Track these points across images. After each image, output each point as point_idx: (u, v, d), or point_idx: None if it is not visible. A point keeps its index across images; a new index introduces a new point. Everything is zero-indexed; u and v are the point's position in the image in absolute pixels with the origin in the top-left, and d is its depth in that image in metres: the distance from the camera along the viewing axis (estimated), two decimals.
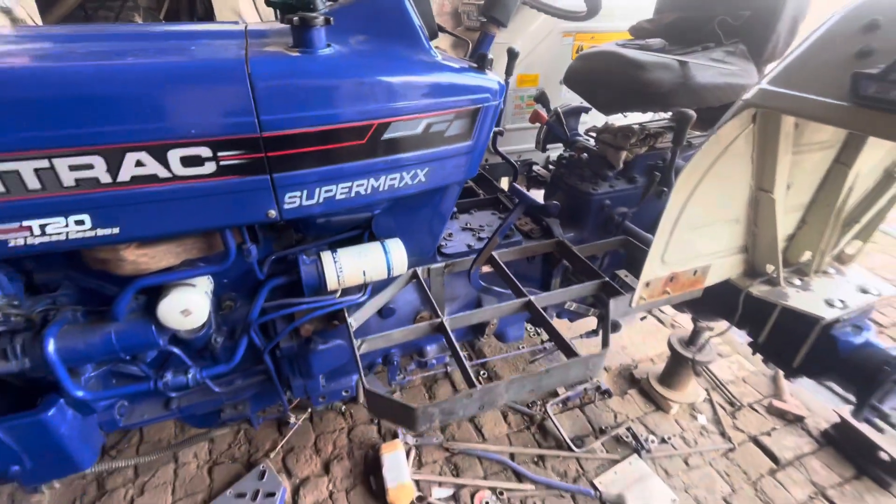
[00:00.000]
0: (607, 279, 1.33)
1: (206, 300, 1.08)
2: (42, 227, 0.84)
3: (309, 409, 2.06)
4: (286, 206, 0.99)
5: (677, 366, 2.11)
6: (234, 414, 1.37)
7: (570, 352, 1.09)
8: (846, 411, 2.01)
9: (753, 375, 2.38)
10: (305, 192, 0.99)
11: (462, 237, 1.58)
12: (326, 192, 1.01)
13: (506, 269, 1.37)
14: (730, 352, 2.52)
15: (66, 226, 0.85)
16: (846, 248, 1.51)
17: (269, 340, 1.27)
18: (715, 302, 1.48)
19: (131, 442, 1.97)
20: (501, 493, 1.79)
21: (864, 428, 1.91)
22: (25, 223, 0.82)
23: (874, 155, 1.30)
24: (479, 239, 1.57)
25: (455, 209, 1.73)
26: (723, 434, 2.05)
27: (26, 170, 0.78)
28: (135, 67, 0.82)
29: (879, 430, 1.26)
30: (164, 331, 1.11)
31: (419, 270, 1.36)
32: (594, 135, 1.71)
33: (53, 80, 0.78)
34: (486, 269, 1.57)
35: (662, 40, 1.56)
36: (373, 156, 1.01)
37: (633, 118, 1.81)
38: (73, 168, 0.81)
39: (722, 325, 1.80)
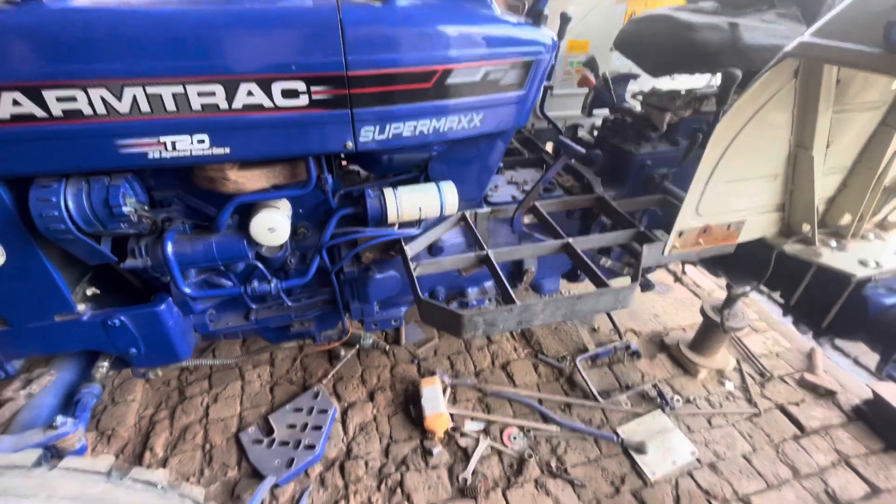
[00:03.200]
0: (643, 229, 1.43)
1: (287, 221, 1.27)
2: (173, 143, 1.04)
3: (356, 346, 2.28)
4: (361, 139, 1.15)
5: (708, 332, 2.17)
6: (301, 329, 1.59)
7: (602, 284, 1.21)
8: (881, 387, 2.02)
9: (788, 352, 2.39)
10: (378, 127, 1.14)
11: (507, 189, 1.71)
12: (395, 128, 1.16)
13: (547, 216, 1.49)
14: (766, 328, 2.54)
15: (191, 143, 1.04)
16: (889, 216, 1.52)
17: (336, 264, 1.46)
18: (748, 260, 1.54)
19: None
20: (528, 431, 1.94)
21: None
22: (162, 139, 1.03)
23: None
24: (523, 192, 1.69)
25: (501, 165, 1.85)
26: (749, 400, 2.11)
27: (166, 94, 0.98)
28: (249, 13, 0.99)
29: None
30: (253, 245, 1.31)
31: (467, 214, 1.51)
32: (640, 98, 1.77)
33: (189, 22, 0.96)
34: (527, 220, 1.69)
35: (715, 3, 1.59)
36: (437, 98, 1.15)
37: (682, 83, 1.85)
38: (200, 94, 0.99)
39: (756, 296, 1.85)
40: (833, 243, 1.44)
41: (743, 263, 1.60)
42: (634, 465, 1.83)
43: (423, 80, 1.12)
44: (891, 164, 1.35)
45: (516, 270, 1.78)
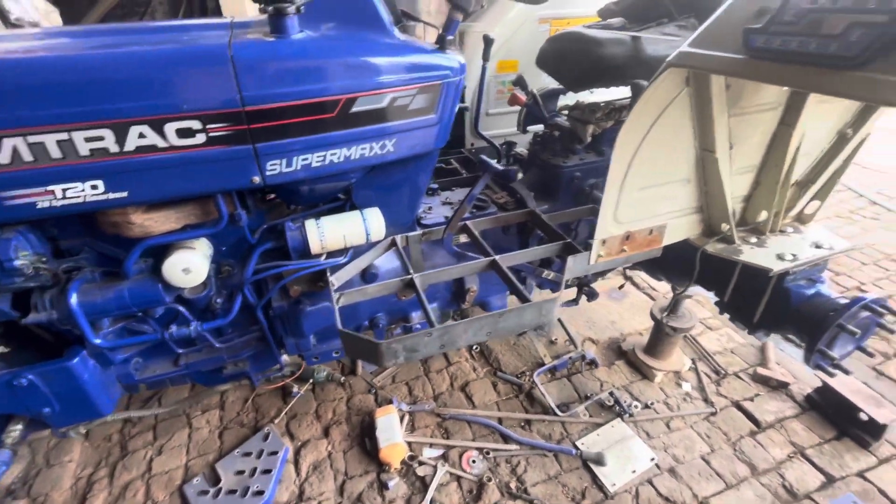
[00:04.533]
0: (569, 240, 1.44)
1: (204, 261, 1.24)
2: (63, 190, 1.00)
3: (311, 381, 2.21)
4: (268, 173, 1.13)
5: (660, 335, 2.19)
6: (235, 371, 1.53)
7: (524, 299, 1.21)
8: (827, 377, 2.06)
9: (742, 347, 2.43)
10: (285, 160, 1.13)
11: (441, 210, 1.71)
12: (303, 160, 1.15)
13: (477, 234, 1.50)
14: (719, 325, 2.58)
15: (83, 190, 1.01)
16: (806, 209, 1.58)
17: (270, 302, 1.42)
18: (678, 262, 1.57)
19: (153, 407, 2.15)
20: (488, 453, 1.90)
21: (845, 391, 1.96)
22: (49, 187, 0.99)
23: (821, 116, 1.38)
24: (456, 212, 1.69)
25: (437, 186, 1.86)
26: (706, 400, 2.13)
27: (50, 141, 0.95)
28: (135, 55, 0.98)
29: (830, 374, 1.33)
30: (170, 289, 1.26)
31: (397, 238, 1.50)
32: (566, 112, 1.82)
33: (70, 67, 0.94)
34: (464, 239, 1.69)
35: (622, 19, 1.66)
36: (343, 127, 1.15)
37: (601, 96, 1.91)
38: (87, 140, 0.97)
39: (705, 293, 1.89)
40: (753, 240, 1.48)
41: (679, 265, 1.63)
42: (595, 478, 1.81)
43: (327, 110, 1.12)
44: (796, 161, 1.41)
45: (458, 290, 1.77)
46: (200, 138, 1.04)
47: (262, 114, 1.06)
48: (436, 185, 1.84)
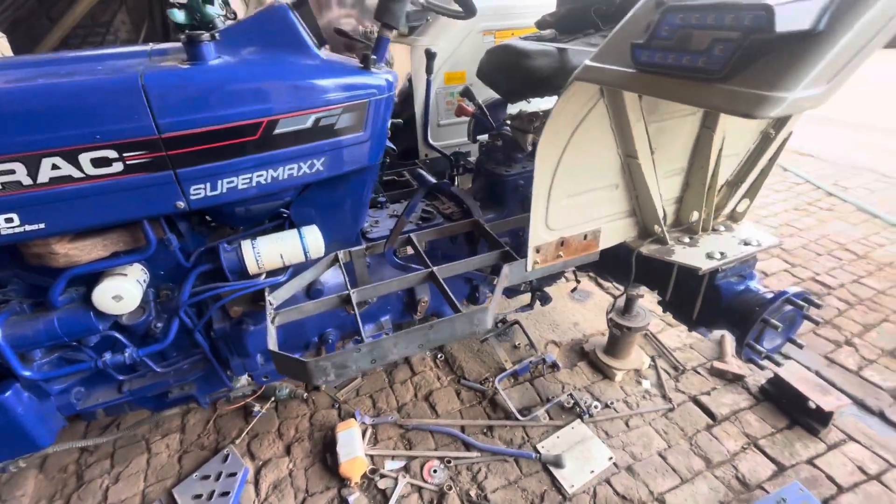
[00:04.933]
0: (507, 248, 1.47)
1: (137, 287, 1.23)
2: None
3: (273, 398, 2.20)
4: (193, 197, 1.14)
5: (618, 335, 2.23)
6: (181, 394, 1.52)
7: (456, 309, 1.23)
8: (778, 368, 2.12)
9: (700, 342, 2.48)
10: (209, 184, 1.14)
11: (388, 223, 1.73)
12: (229, 183, 1.16)
13: (418, 246, 1.52)
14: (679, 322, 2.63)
15: None
16: (738, 207, 1.63)
17: (211, 324, 1.42)
18: (620, 264, 1.61)
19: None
20: (449, 462, 1.91)
21: (794, 381, 2.01)
22: None
23: (739, 119, 1.43)
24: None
25: (385, 199, 1.88)
26: (664, 396, 2.17)
27: None
28: (43, 87, 0.98)
29: (760, 367, 1.38)
30: (104, 317, 1.26)
31: (340, 253, 1.51)
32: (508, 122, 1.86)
33: None
34: (411, 251, 1.71)
35: (553, 31, 1.71)
36: (267, 149, 1.17)
37: (542, 104, 1.95)
38: None
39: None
40: (686, 240, 1.52)
41: (621, 267, 1.67)
42: (554, 481, 1.82)
43: (249, 133, 1.13)
44: (720, 163, 1.46)
45: (410, 301, 1.78)
46: (118, 167, 1.04)
47: (180, 140, 1.07)
48: (384, 199, 1.86)
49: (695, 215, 1.53)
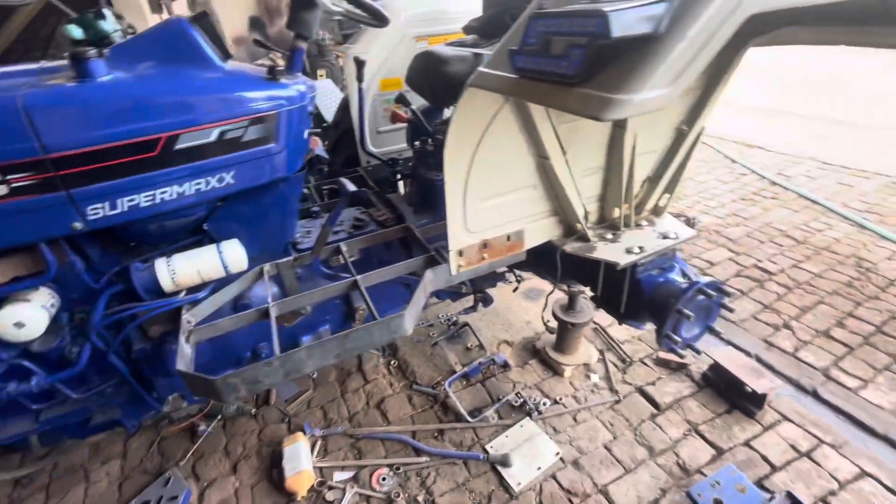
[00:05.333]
0: (432, 253, 1.48)
1: (41, 312, 1.19)
2: None
3: (220, 416, 2.16)
4: (91, 217, 1.11)
5: (564, 331, 2.26)
6: (103, 419, 1.47)
7: (372, 316, 1.23)
8: (717, 353, 2.19)
9: (648, 334, 2.54)
10: (107, 203, 1.11)
11: (318, 233, 1.72)
12: (129, 201, 1.13)
13: (345, 255, 1.51)
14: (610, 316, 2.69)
15: None
16: (660, 202, 1.68)
17: (122, 345, 1.38)
18: (547, 262, 1.64)
19: (46, 469, 2.03)
20: (398, 469, 1.90)
21: (731, 366, 2.08)
22: None
23: (654, 116, 1.48)
24: (335, 233, 1.71)
25: (319, 209, 1.87)
26: (611, 389, 2.21)
27: None
28: None
29: (680, 356, 1.42)
30: (7, 345, 1.21)
31: (266, 266, 1.49)
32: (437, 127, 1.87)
33: None
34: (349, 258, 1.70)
35: (475, 36, 1.73)
36: (169, 165, 1.15)
37: None
38: None
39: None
40: (609, 236, 1.56)
41: (544, 264, 1.69)
42: (501, 480, 1.84)
43: (147, 149, 1.11)
44: (636, 160, 1.50)
45: (349, 310, 1.77)
46: (2, 190, 1.01)
47: (70, 159, 1.04)
48: (317, 208, 1.85)
49: (616, 212, 1.57)
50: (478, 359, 2.33)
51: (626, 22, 0.67)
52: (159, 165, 1.14)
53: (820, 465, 1.80)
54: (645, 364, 2.34)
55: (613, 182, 1.53)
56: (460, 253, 1.40)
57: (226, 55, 1.29)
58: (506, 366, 2.33)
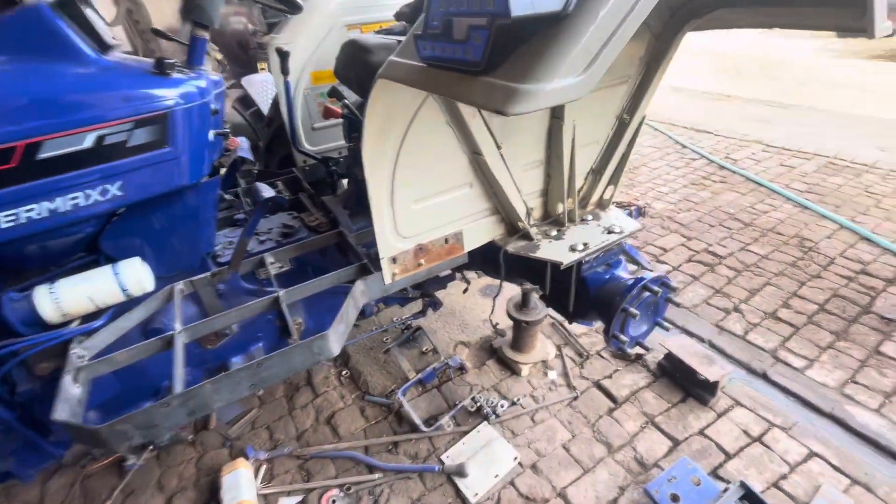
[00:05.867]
0: (364, 262, 1.36)
1: None
2: None
3: (152, 446, 1.97)
4: None
5: (520, 329, 2.20)
6: None
7: (292, 339, 1.10)
8: (671, 343, 2.19)
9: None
10: None
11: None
12: None
13: (269, 267, 1.37)
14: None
15: None
16: (605, 195, 1.62)
17: (14, 386, 1.19)
18: (493, 261, 1.55)
19: None
20: (349, 489, 1.79)
21: (683, 354, 2.07)
22: None
23: (593, 105, 1.40)
24: (261, 242, 1.56)
25: (243, 217, 1.70)
26: (569, 385, 2.17)
27: None
28: None
29: (628, 356, 1.37)
30: None
31: (179, 285, 1.33)
32: None
33: None
34: (278, 270, 1.55)
35: (404, 23, 1.61)
36: (31, 178, 0.97)
37: None
38: None
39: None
40: (553, 233, 1.49)
41: (489, 264, 1.61)
42: (458, 492, 1.76)
43: (1, 161, 0.93)
44: (575, 151, 1.42)
45: (283, 325, 1.63)
46: None
47: None
48: (242, 216, 1.69)
49: (560, 207, 1.50)
50: (432, 364, 2.24)
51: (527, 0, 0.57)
52: (20, 179, 0.96)
53: (771, 449, 1.81)
54: (602, 357, 2.31)
55: (555, 176, 1.45)
56: (394, 260, 1.29)
57: (103, 47, 1.11)
58: (462, 368, 2.25)
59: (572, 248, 1.39)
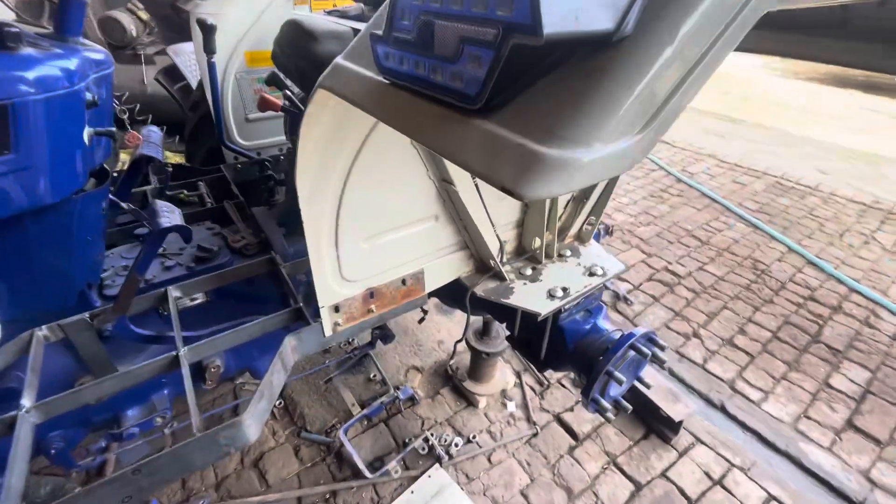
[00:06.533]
0: (299, 306, 1.08)
1: None
2: None
3: None
4: None
5: (479, 360, 2.00)
6: None
7: (199, 429, 0.82)
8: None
9: None
10: None
11: (151, 268, 1.22)
12: None
13: (172, 308, 1.06)
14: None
15: None
16: (584, 227, 1.43)
17: None
18: (457, 294, 1.32)
19: None
20: None
21: (650, 391, 1.97)
22: None
23: None
24: (167, 268, 1.23)
25: (148, 230, 1.35)
26: (528, 419, 2.01)
27: None
28: None
29: (608, 419, 1.20)
30: None
31: (40, 332, 0.99)
32: None
33: None
34: (199, 298, 1.23)
35: (361, 5, 1.32)
36: None
37: None
38: None
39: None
40: (528, 272, 1.28)
41: (456, 301, 1.38)
42: None
43: None
44: None
45: (197, 368, 1.32)
46: None
47: None
48: (145, 230, 1.34)
49: (537, 242, 1.29)
50: (380, 396, 1.99)
51: (568, 10, 0.33)
52: None
53: (733, 494, 1.74)
54: (563, 386, 2.18)
55: (534, 206, 1.24)
56: (336, 309, 1.03)
57: None
58: (413, 400, 2.02)
59: (551, 295, 1.19)
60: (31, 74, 0.78)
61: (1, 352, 0.95)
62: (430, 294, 1.25)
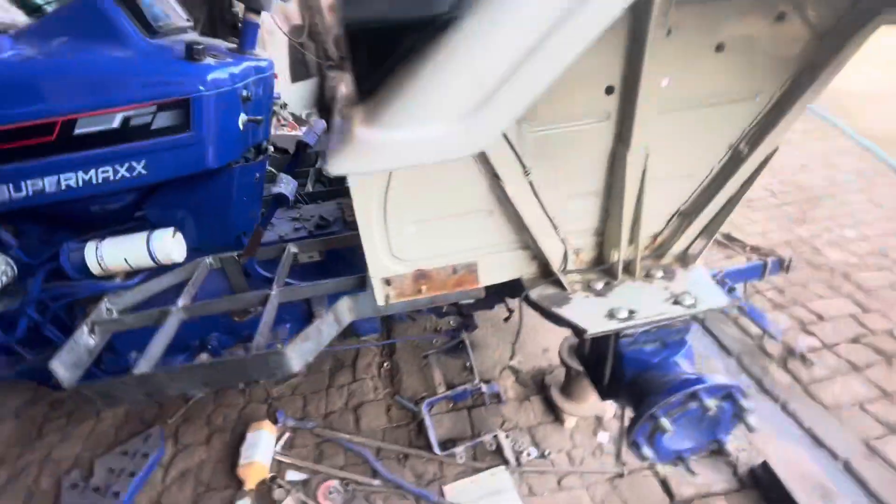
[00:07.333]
0: (365, 274, 1.24)
1: None
2: None
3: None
4: None
5: (570, 374, 1.87)
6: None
7: (257, 347, 1.06)
8: (777, 449, 1.62)
9: None
10: (10, 185, 1.09)
11: (282, 227, 1.59)
12: (33, 185, 1.10)
13: (283, 260, 1.36)
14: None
15: None
16: (692, 247, 1.21)
17: (78, 319, 1.42)
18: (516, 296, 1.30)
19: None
20: (349, 485, 1.78)
21: (786, 474, 1.53)
22: None
23: (694, 125, 1.03)
24: (296, 230, 1.57)
25: (293, 198, 1.72)
26: (618, 457, 1.79)
27: None
28: None
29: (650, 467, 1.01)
30: None
31: (208, 259, 1.41)
32: None
33: None
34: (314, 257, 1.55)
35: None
36: (68, 151, 1.08)
37: None
38: None
39: None
40: (599, 286, 1.16)
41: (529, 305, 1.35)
42: None
43: (43, 133, 1.05)
44: (650, 185, 1.07)
45: (307, 314, 1.64)
46: None
47: None
48: (290, 197, 1.71)
49: (615, 255, 1.16)
50: (467, 384, 2.06)
51: None
52: (59, 151, 1.08)
53: None
54: None
55: (614, 214, 1.12)
56: (388, 282, 1.15)
57: (150, 31, 1.16)
58: (498, 397, 2.03)
59: (611, 314, 1.06)
60: (206, 77, 1.12)
61: (181, 269, 1.39)
62: (490, 289, 1.26)
